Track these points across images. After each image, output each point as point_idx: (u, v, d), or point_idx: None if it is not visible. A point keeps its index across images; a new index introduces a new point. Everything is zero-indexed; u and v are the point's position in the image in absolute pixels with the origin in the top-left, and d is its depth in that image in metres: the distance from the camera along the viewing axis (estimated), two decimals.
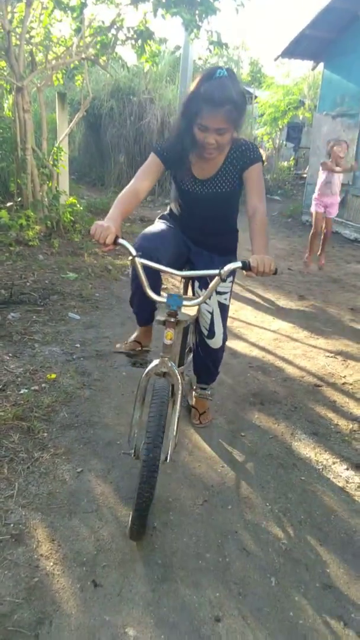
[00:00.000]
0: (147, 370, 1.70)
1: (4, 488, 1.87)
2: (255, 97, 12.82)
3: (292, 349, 3.33)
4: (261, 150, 9.87)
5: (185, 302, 1.67)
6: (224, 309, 2.12)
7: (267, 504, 1.93)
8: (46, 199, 5.42)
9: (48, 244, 5.04)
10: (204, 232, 2.07)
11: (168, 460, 1.67)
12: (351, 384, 2.91)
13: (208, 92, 1.63)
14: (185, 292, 2.25)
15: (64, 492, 1.89)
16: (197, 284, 2.12)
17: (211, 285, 1.64)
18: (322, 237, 5.31)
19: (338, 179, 4.99)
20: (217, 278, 1.62)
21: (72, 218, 5.49)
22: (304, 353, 3.29)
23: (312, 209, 5.25)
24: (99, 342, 3.13)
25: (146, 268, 1.66)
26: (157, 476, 1.55)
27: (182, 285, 2.27)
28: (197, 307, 1.91)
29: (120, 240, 1.61)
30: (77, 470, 2.01)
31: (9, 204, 5.25)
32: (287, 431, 2.41)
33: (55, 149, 5.61)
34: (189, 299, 1.76)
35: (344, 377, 3.00)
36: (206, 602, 1.52)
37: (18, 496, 1.84)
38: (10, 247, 4.73)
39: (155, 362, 1.69)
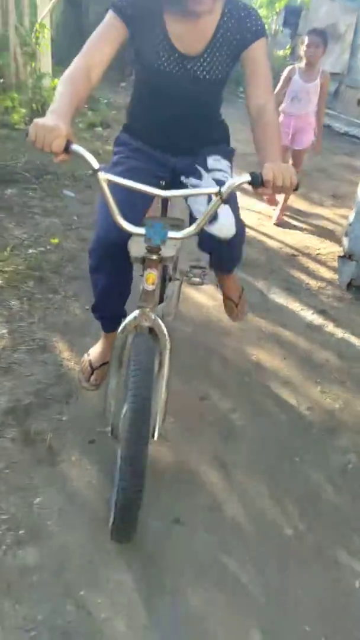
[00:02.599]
0: (123, 324, 1.40)
1: (27, 317, 2.34)
2: None
3: (274, 227, 3.74)
4: None
5: (171, 234, 1.30)
6: (231, 198, 1.55)
7: (241, 330, 2.46)
8: (30, 81, 5.43)
9: None
10: (183, 135, 1.59)
11: (156, 437, 1.39)
12: (324, 255, 3.38)
13: None
14: (164, 213, 1.74)
15: (77, 321, 2.37)
16: (182, 177, 1.63)
17: (208, 208, 1.30)
18: None
19: (313, 87, 3.52)
20: (216, 199, 1.27)
21: None
22: (285, 230, 3.71)
23: None
24: (94, 216, 3.50)
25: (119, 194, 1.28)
26: (145, 461, 1.25)
27: (160, 207, 1.73)
28: (179, 243, 1.44)
29: (74, 147, 1.20)
30: (85, 307, 2.47)
31: None
32: (265, 287, 2.90)
33: (37, 26, 5.51)
34: (176, 228, 1.39)
35: (319, 249, 3.46)
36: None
37: (39, 323, 2.31)
38: None
39: (134, 314, 1.38)
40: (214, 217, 1.47)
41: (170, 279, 1.90)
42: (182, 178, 1.62)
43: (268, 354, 2.32)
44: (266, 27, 6.59)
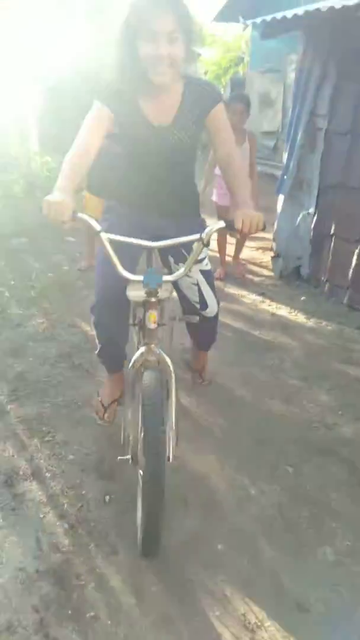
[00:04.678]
0: (132, 361, 1.64)
1: (57, 311, 3.49)
2: (199, 54, 14.26)
3: (231, 247, 5.02)
4: None
5: (165, 277, 1.56)
6: (208, 274, 2.11)
7: None
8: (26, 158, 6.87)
9: None
10: (164, 195, 1.90)
11: (171, 460, 1.59)
12: (266, 262, 4.64)
13: None
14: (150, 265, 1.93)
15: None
16: (171, 260, 2.02)
17: (193, 253, 1.59)
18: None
19: (243, 150, 3.71)
20: (198, 244, 1.56)
21: None
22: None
23: (214, 198, 4.05)
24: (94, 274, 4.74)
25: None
26: (164, 484, 1.47)
27: (144, 259, 1.89)
28: (170, 285, 1.70)
29: (79, 215, 1.50)
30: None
31: None
32: (222, 284, 4.11)
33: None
34: (168, 273, 1.68)
35: (262, 259, 4.72)
36: None
37: (68, 313, 3.46)
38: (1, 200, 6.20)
39: (141, 350, 1.63)
40: (205, 305, 2.11)
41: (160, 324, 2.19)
42: (172, 262, 2.02)
43: (228, 318, 3.49)
44: None
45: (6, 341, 3.08)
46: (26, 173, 6.77)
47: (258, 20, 3.67)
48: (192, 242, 1.59)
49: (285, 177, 3.95)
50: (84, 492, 1.96)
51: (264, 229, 1.57)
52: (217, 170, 3.65)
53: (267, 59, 9.11)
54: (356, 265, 3.61)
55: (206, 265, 2.09)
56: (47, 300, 3.65)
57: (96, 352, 2.17)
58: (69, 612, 1.52)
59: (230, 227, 1.55)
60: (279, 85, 8.76)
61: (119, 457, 1.82)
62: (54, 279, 4.01)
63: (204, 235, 1.54)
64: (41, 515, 1.85)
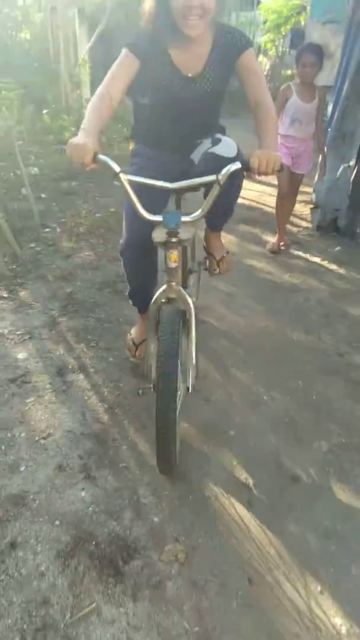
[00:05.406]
0: (154, 298, 1.79)
1: (101, 247, 3.90)
2: (259, 2, 13.97)
3: (271, 198, 5.25)
4: (264, 58, 10.96)
5: (184, 218, 1.67)
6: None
7: (252, 253, 3.97)
8: (76, 105, 7.22)
9: None
10: (192, 136, 2.08)
11: (190, 391, 1.79)
12: (306, 214, 4.88)
13: None
14: (178, 207, 2.06)
15: None
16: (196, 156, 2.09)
17: (210, 193, 1.66)
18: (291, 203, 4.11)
19: (312, 108, 3.58)
20: (215, 186, 1.63)
21: None
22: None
23: None
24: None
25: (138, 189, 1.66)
26: (175, 408, 1.67)
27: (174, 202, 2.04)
28: (194, 227, 1.82)
29: (100, 157, 1.59)
30: None
31: (45, 111, 7.07)
32: (261, 233, 4.41)
33: (81, 60, 7.35)
34: (188, 214, 1.73)
35: (302, 211, 4.96)
36: None
37: (110, 249, 3.86)
38: (53, 145, 6.61)
39: (162, 288, 1.76)
40: (218, 141, 1.98)
41: (190, 272, 2.44)
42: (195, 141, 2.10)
43: (260, 262, 3.81)
44: (273, 49, 8.22)
45: (57, 269, 3.52)
46: (77, 119, 7.12)
47: None
48: (211, 182, 1.65)
49: (329, 129, 4.14)
50: (121, 384, 2.39)
51: (280, 170, 1.65)
52: (280, 127, 3.54)
53: (328, 9, 8.98)
54: None
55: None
56: (94, 236, 4.06)
57: (127, 292, 2.40)
58: (106, 461, 1.97)
59: (245, 167, 1.63)
60: (339, 37, 8.65)
61: (139, 388, 2.18)
62: (102, 219, 4.41)
63: (220, 176, 1.61)
64: (85, 398, 2.30)
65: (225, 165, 1.63)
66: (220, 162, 1.79)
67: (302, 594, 1.54)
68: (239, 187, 2.15)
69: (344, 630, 1.46)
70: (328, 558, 1.66)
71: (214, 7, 1.71)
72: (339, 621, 1.48)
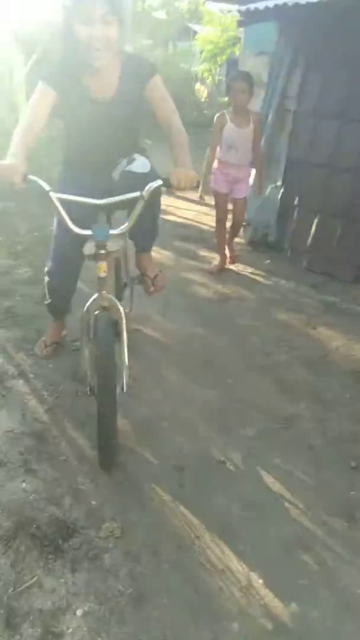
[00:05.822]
0: (86, 306, 1.93)
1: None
2: (195, 33, 14.71)
3: (205, 216, 5.60)
4: (202, 87, 11.50)
5: (112, 231, 1.81)
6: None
7: (187, 268, 4.23)
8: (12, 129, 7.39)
9: None
10: (112, 162, 2.25)
11: (125, 390, 1.99)
12: None
13: None
14: (109, 222, 2.20)
15: None
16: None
17: (135, 209, 1.81)
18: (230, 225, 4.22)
19: (248, 133, 3.72)
20: (140, 201, 1.78)
21: None
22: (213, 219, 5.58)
23: (212, 184, 3.95)
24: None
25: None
26: (115, 409, 1.91)
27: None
28: (124, 240, 2.10)
29: (31, 177, 1.72)
30: None
31: None
32: (196, 247, 4.70)
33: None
34: (115, 228, 1.88)
35: None
36: None
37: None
38: None
39: (94, 297, 1.90)
40: (132, 160, 2.20)
41: (125, 285, 2.71)
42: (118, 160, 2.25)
43: (195, 275, 4.08)
44: (210, 77, 8.67)
45: None
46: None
47: (234, 9, 4.23)
48: (135, 199, 1.79)
49: None
50: (61, 387, 2.55)
51: (197, 187, 1.88)
52: (218, 153, 3.80)
53: (259, 41, 9.66)
54: (315, 233, 4.23)
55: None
56: (32, 254, 4.21)
57: (45, 302, 2.64)
58: (46, 456, 2.12)
59: (166, 184, 1.81)
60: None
61: (78, 392, 2.39)
62: (39, 237, 4.56)
63: (144, 193, 1.77)
64: (25, 401, 2.44)
65: (141, 181, 1.83)
66: (136, 178, 2.05)
67: (226, 553, 1.75)
68: (159, 202, 2.45)
69: (261, 581, 1.67)
70: (249, 524, 1.88)
71: (118, 37, 1.86)
72: (255, 575, 1.69)
